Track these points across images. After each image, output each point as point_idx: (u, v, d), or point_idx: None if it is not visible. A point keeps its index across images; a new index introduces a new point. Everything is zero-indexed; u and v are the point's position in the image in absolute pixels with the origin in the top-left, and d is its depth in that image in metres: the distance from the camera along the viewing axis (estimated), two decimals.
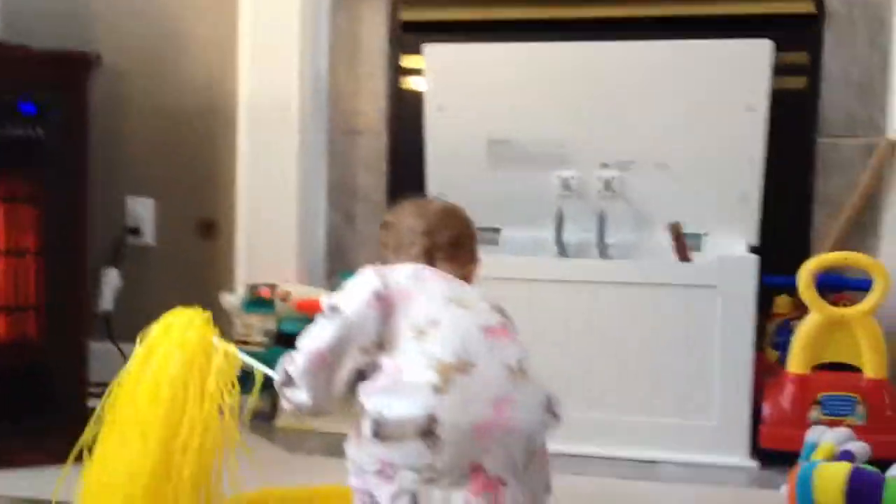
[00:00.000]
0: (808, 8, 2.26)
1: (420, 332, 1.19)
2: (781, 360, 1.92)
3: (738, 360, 1.83)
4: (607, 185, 2.25)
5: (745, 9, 2.29)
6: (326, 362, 1.22)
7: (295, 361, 1.25)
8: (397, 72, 2.50)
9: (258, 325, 2.16)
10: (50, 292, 1.79)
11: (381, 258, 1.43)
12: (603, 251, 2.19)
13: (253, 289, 2.20)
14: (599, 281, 1.92)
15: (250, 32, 2.42)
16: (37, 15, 2.51)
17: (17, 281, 1.81)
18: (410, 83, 2.48)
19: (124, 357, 2.37)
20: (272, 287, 2.17)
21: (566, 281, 1.95)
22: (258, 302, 2.20)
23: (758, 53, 2.15)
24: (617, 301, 1.90)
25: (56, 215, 1.80)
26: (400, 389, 1.16)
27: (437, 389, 1.13)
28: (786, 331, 1.98)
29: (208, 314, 1.46)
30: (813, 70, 2.27)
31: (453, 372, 1.14)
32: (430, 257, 1.36)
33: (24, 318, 1.82)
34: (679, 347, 1.86)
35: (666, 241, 2.12)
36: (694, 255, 2.10)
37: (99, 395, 2.20)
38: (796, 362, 1.80)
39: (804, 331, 1.81)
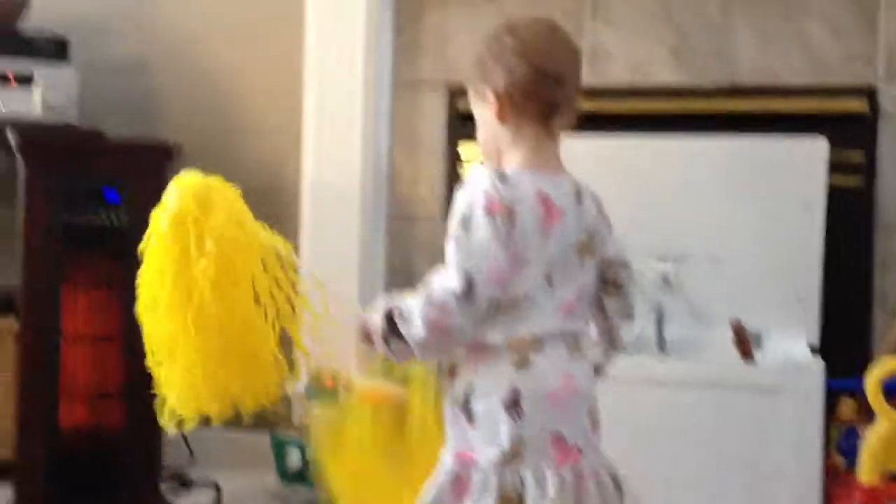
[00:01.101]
0: (862, 107, 2.29)
1: (514, 306, 1.23)
2: (849, 467, 1.91)
3: (806, 469, 1.81)
4: (664, 278, 2.27)
5: (800, 107, 2.33)
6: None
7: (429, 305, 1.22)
8: (455, 159, 2.54)
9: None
10: (129, 378, 1.81)
11: (478, 82, 1.29)
12: (661, 346, 2.21)
13: (317, 377, 2.22)
14: (661, 381, 1.92)
15: (315, 119, 2.48)
16: (110, 102, 2.59)
17: (99, 367, 1.85)
18: (467, 171, 2.52)
19: (186, 440, 2.43)
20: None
21: (627, 380, 1.94)
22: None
23: (814, 151, 2.19)
24: (679, 402, 1.89)
25: (135, 300, 1.83)
26: (486, 368, 1.24)
27: (518, 365, 1.22)
28: (853, 436, 1.97)
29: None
30: (868, 168, 2.30)
31: (529, 349, 1.23)
32: (550, 123, 1.28)
33: (105, 404, 1.85)
34: (744, 452, 1.85)
35: (726, 336, 2.13)
36: (755, 353, 2.11)
37: (166, 479, 2.23)
38: (866, 471, 1.79)
39: (874, 439, 1.80)
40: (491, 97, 1.27)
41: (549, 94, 1.26)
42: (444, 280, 1.21)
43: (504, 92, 1.26)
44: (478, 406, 1.23)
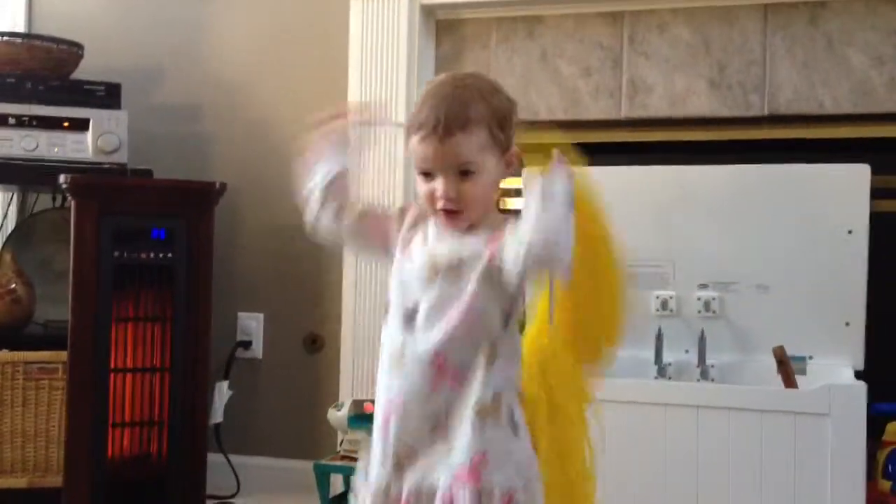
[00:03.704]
0: None
1: None
2: (894, 491, 1.87)
3: (850, 494, 1.78)
4: (707, 305, 2.26)
5: (843, 134, 2.32)
6: None
7: None
8: (500, 194, 2.56)
9: (364, 441, 2.20)
10: (173, 407, 1.87)
11: (500, 132, 1.30)
12: (704, 372, 2.20)
13: (358, 404, 2.25)
14: (704, 405, 1.91)
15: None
16: (161, 145, 2.68)
17: (145, 397, 1.90)
18: (509, 203, 2.55)
19: (233, 469, 2.48)
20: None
21: (667, 404, 1.94)
22: (363, 417, 2.25)
23: (857, 177, 2.17)
24: (722, 427, 1.88)
25: (181, 333, 1.90)
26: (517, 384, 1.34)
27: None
28: None
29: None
30: None
31: None
32: None
33: (150, 432, 1.90)
34: (787, 477, 1.83)
35: (769, 363, 2.12)
36: (799, 379, 2.09)
37: None
38: None
39: None
40: (513, 153, 1.32)
41: None
42: None
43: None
44: (518, 417, 1.29)
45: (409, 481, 1.27)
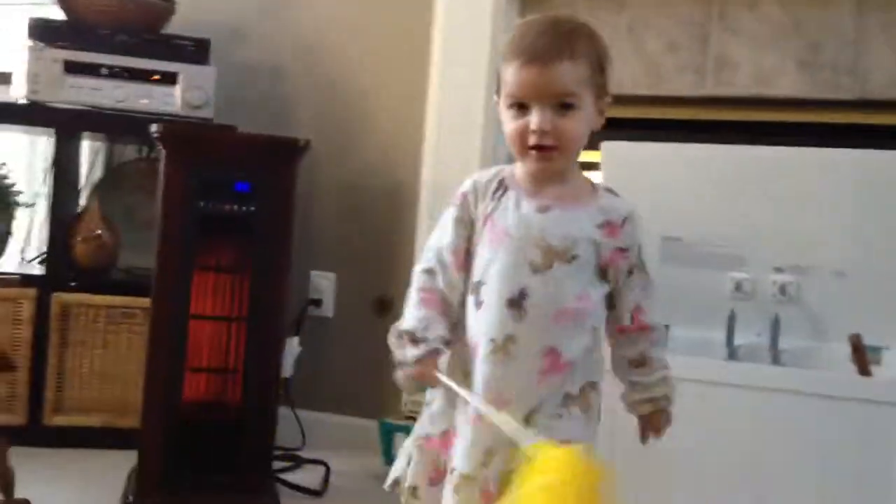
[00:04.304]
0: None
1: None
2: None
3: None
4: (782, 289, 2.24)
5: None
6: None
7: None
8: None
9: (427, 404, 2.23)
10: (249, 356, 1.91)
11: (604, 80, 1.27)
12: (775, 357, 2.17)
13: None
14: (773, 388, 1.89)
15: (436, 122, 2.55)
16: (245, 101, 2.74)
17: (222, 345, 1.95)
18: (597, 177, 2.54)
19: (299, 422, 2.53)
20: None
21: (736, 385, 1.93)
22: None
23: None
24: (791, 411, 1.86)
25: (260, 284, 1.93)
26: None
27: None
28: None
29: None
30: None
31: None
32: None
33: (226, 379, 1.95)
34: (854, 465, 1.80)
35: (843, 351, 2.08)
36: (873, 369, 2.05)
37: (279, 458, 2.33)
38: None
39: None
40: (608, 102, 1.28)
41: None
42: None
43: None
44: (601, 408, 1.31)
45: (495, 467, 1.22)
